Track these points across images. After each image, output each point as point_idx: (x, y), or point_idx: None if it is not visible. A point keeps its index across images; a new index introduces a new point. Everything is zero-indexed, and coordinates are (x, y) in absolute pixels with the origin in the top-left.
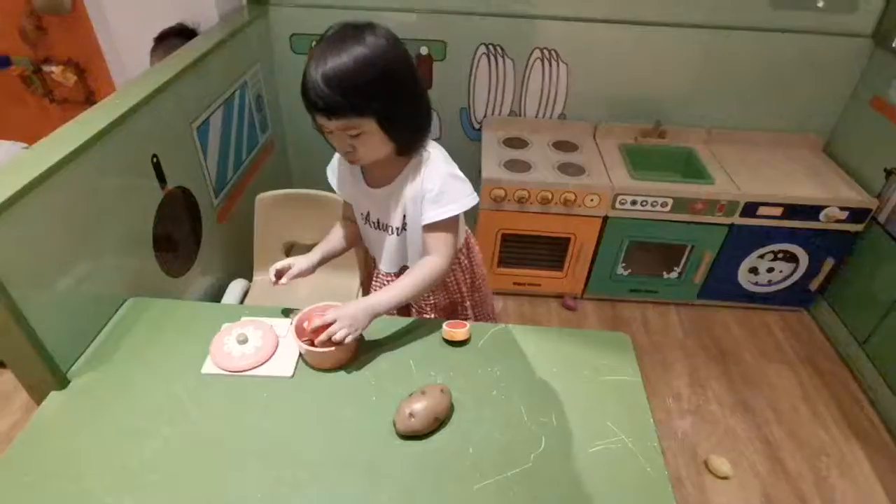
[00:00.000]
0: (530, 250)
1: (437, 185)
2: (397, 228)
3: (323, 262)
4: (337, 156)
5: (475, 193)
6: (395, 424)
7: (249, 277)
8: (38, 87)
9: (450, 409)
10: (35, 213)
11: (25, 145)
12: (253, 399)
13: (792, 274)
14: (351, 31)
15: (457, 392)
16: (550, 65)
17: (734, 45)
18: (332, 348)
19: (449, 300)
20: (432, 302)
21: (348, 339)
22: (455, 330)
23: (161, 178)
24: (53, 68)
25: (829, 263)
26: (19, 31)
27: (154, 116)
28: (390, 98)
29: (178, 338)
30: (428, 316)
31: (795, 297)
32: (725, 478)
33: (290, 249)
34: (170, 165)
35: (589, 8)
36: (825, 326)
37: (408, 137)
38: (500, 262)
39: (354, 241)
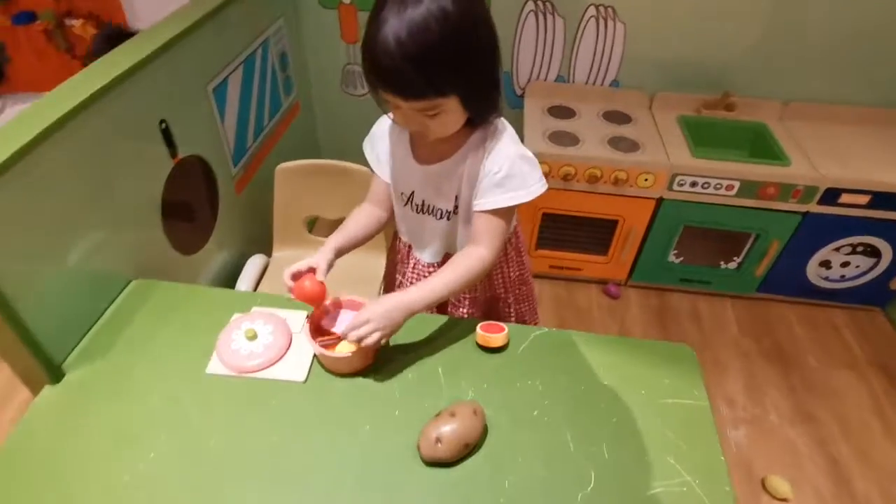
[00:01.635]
0: (573, 232)
1: (505, 167)
2: (447, 212)
3: (340, 255)
4: (385, 124)
5: (544, 179)
6: (419, 448)
7: (269, 252)
8: (61, 42)
9: (483, 432)
10: (24, 181)
11: None
12: (260, 406)
13: (871, 270)
14: None
15: (491, 410)
16: (606, 24)
17: (816, 3)
18: (351, 353)
19: (491, 294)
20: (471, 296)
21: (381, 342)
22: (491, 335)
23: (171, 145)
24: (74, 22)
25: None
26: None
27: (164, 76)
28: (478, 69)
29: (184, 329)
30: (463, 311)
31: (870, 294)
32: (785, 500)
33: (312, 224)
34: (182, 131)
35: None
36: None
37: (486, 107)
38: (539, 243)
39: (377, 229)
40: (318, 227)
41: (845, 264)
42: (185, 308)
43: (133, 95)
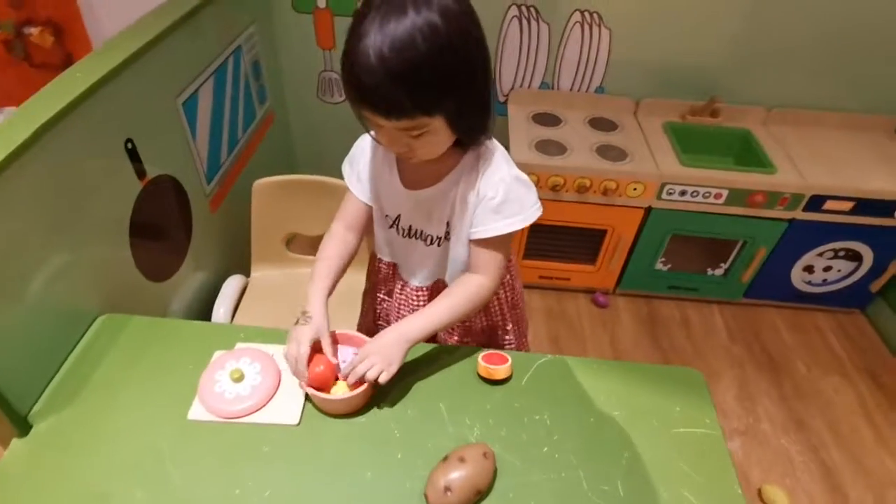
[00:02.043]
0: (561, 242)
1: (501, 192)
2: (437, 238)
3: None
4: (366, 141)
5: (539, 203)
6: (426, 497)
7: (247, 272)
8: (19, 52)
9: (493, 475)
10: None
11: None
12: (250, 454)
13: (852, 273)
14: None
15: (499, 448)
16: (591, 30)
17: (798, 9)
18: (347, 395)
19: (488, 324)
20: (464, 326)
21: (383, 379)
22: (495, 367)
23: (138, 165)
24: (32, 30)
25: None
26: None
27: (130, 90)
28: (467, 88)
29: (161, 369)
30: (456, 340)
31: (851, 297)
32: None
33: (291, 241)
34: (151, 150)
35: None
36: (883, 330)
37: (475, 129)
38: (527, 253)
39: (354, 253)
40: (296, 243)
41: (828, 269)
42: (160, 345)
43: (97, 114)
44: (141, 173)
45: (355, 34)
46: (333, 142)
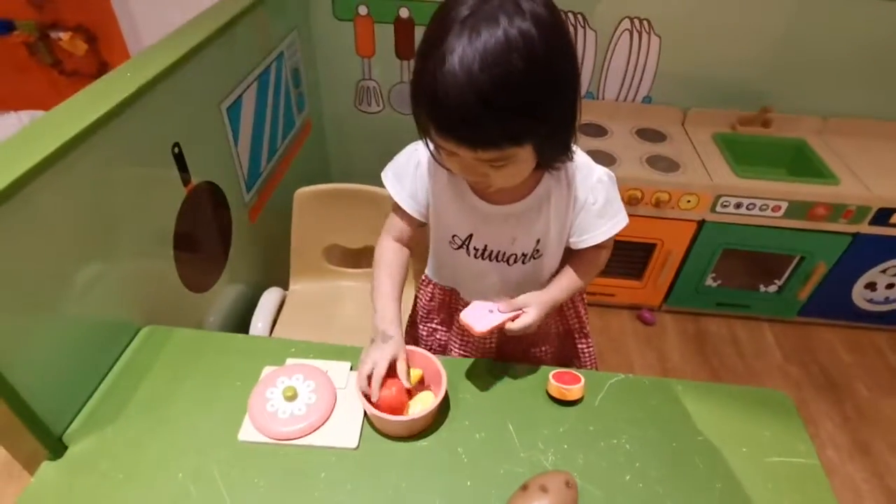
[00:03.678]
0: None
1: (601, 194)
2: (524, 256)
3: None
4: (419, 155)
5: None
6: None
7: (285, 285)
8: (46, 56)
9: None
10: (14, 222)
11: (42, 113)
12: (307, 480)
13: None
14: (500, 1)
15: (578, 477)
16: (640, 38)
17: (856, 12)
18: (412, 417)
19: (565, 328)
20: (543, 331)
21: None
22: (567, 387)
23: (184, 172)
24: (61, 34)
25: None
26: None
27: (175, 95)
28: (562, 107)
29: (207, 386)
30: (546, 349)
31: None
32: None
33: (330, 253)
34: (196, 155)
35: None
36: None
37: (560, 153)
38: None
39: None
40: (333, 255)
41: (890, 286)
42: (206, 360)
43: (142, 119)
44: (186, 179)
45: (436, 50)
46: (368, 152)
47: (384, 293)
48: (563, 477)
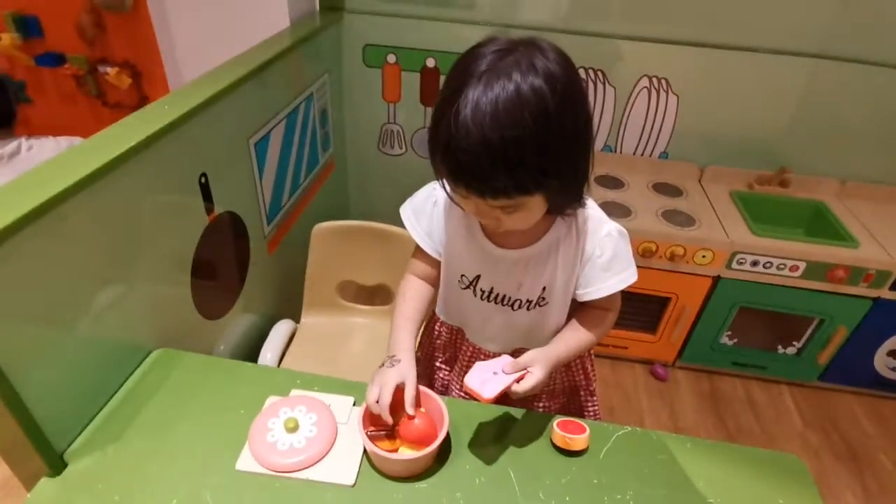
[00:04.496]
0: (621, 308)
1: (608, 248)
2: (529, 302)
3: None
4: (437, 195)
5: None
6: None
7: (296, 318)
8: (92, 88)
9: None
10: (44, 240)
11: (79, 139)
12: None
13: None
14: (515, 57)
15: None
16: (658, 95)
17: (875, 79)
18: (413, 456)
19: (570, 383)
20: (550, 387)
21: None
22: (572, 436)
23: (208, 201)
24: (109, 69)
25: None
26: (77, 27)
27: (208, 128)
28: (573, 162)
29: (211, 412)
30: (539, 406)
31: None
32: None
33: (343, 288)
34: (221, 186)
35: (711, 32)
36: None
37: (571, 201)
38: None
39: (431, 308)
40: (348, 291)
41: None
42: (213, 386)
43: (174, 148)
44: (209, 209)
45: (454, 101)
46: (388, 193)
47: (400, 324)
48: None
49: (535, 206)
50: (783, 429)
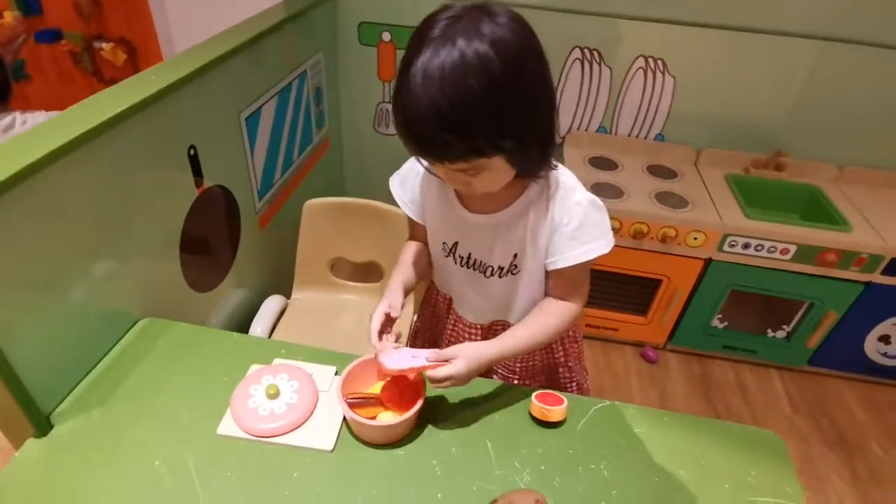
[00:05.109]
0: (612, 290)
1: (577, 217)
2: (499, 269)
3: (406, 295)
4: (417, 167)
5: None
6: None
7: (287, 294)
8: (88, 65)
9: None
10: (29, 203)
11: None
12: (279, 479)
13: None
14: (464, 24)
15: (551, 500)
16: (654, 76)
17: (876, 66)
18: (386, 424)
19: (547, 362)
20: (524, 364)
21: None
22: (550, 408)
23: (197, 173)
24: (104, 45)
25: None
26: (74, 4)
27: (196, 100)
28: (527, 124)
29: (195, 378)
30: (516, 382)
31: None
32: None
33: (334, 267)
34: (210, 159)
35: (708, 11)
36: None
37: (538, 161)
38: None
39: (430, 271)
40: (339, 269)
41: None
42: (198, 354)
43: (162, 118)
44: (198, 181)
45: (407, 70)
46: (384, 173)
47: (394, 272)
48: (533, 496)
49: (498, 168)
50: (772, 413)
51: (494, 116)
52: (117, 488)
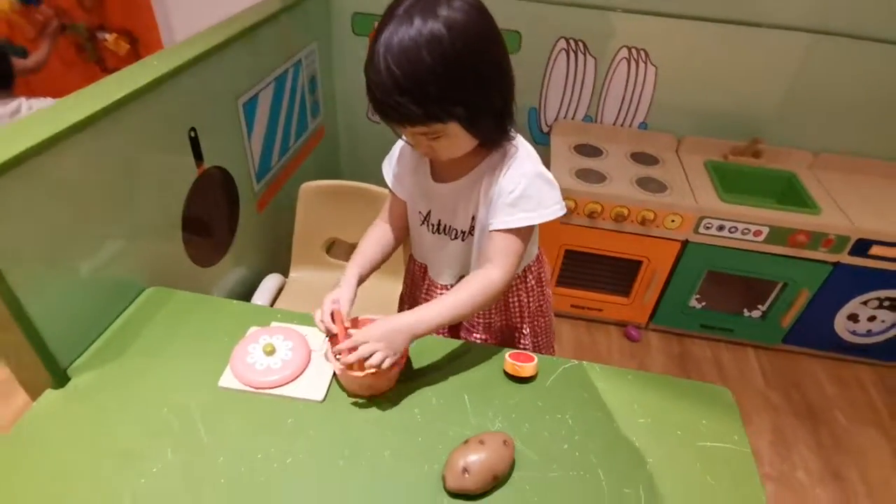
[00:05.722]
0: (595, 271)
1: (521, 186)
2: (462, 232)
3: (361, 283)
4: (400, 144)
5: (563, 203)
6: (443, 478)
7: (285, 273)
8: (91, 55)
9: (511, 465)
10: (48, 177)
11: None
12: (275, 424)
13: None
14: (422, 5)
15: (519, 442)
16: (637, 66)
17: (851, 56)
18: (370, 373)
19: (506, 322)
20: (485, 321)
21: (385, 364)
22: (522, 364)
23: (198, 154)
24: (107, 35)
25: None
26: None
27: (197, 84)
28: (477, 95)
29: (198, 339)
30: (478, 337)
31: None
32: None
33: (331, 246)
34: (210, 141)
35: (690, 3)
36: None
37: (495, 131)
38: (560, 280)
39: (392, 251)
40: (336, 249)
41: (872, 318)
42: (200, 319)
43: (163, 102)
44: (199, 162)
45: (374, 45)
46: (378, 161)
47: (350, 264)
48: (501, 437)
49: (456, 134)
50: (746, 388)
51: (445, 86)
52: (130, 432)
